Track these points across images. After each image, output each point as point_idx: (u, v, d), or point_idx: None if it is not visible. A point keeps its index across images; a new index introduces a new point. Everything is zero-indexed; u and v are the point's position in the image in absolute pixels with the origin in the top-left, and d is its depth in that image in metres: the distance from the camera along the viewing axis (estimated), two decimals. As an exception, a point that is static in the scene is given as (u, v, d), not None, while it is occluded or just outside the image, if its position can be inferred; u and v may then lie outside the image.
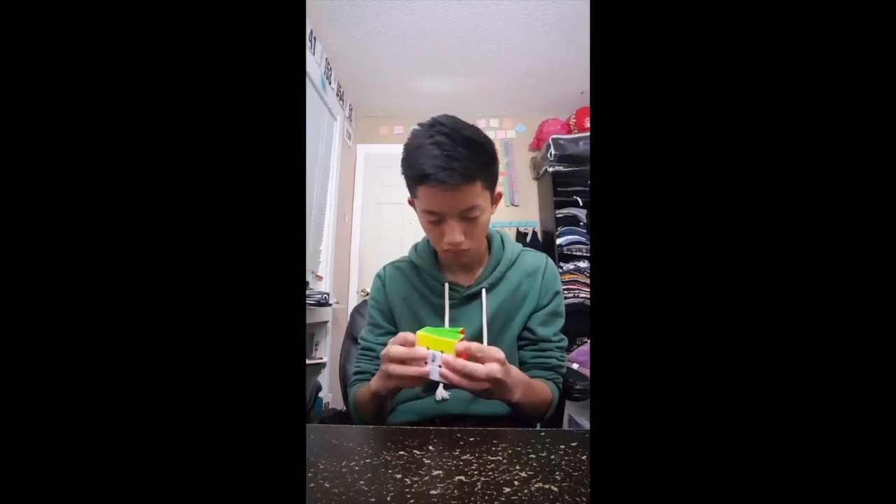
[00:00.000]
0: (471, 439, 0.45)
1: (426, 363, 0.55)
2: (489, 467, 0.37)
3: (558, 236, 2.67)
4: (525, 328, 0.78)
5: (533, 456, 0.40)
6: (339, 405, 2.07)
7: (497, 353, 0.57)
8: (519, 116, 3.21)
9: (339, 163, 2.79)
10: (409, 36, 2.32)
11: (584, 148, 2.71)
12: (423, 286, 0.78)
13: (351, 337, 1.04)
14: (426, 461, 0.39)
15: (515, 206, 3.12)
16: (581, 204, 2.73)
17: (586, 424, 1.89)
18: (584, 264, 2.61)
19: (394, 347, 0.56)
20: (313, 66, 2.26)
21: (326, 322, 2.51)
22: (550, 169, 2.78)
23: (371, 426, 0.54)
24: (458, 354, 0.54)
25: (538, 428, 0.84)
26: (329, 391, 2.49)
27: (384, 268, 0.85)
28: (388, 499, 0.32)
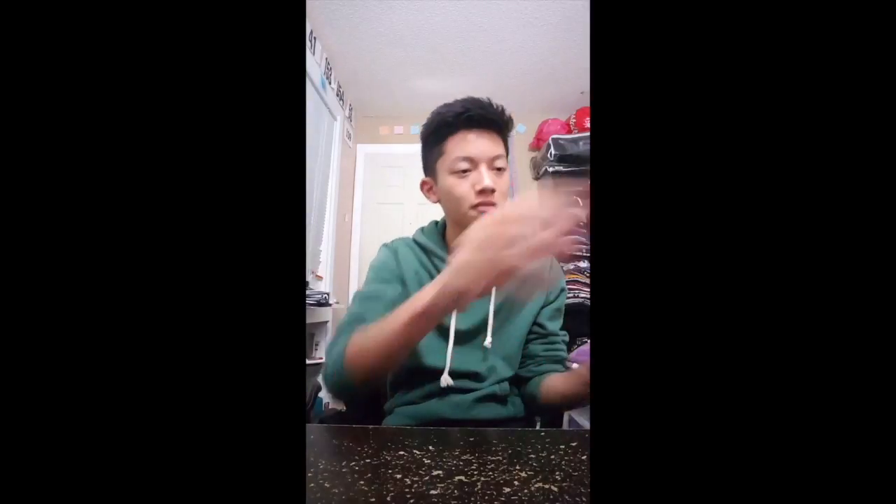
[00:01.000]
0: (471, 439, 0.45)
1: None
2: (489, 467, 0.37)
3: (558, 236, 2.66)
4: (535, 323, 0.78)
5: (533, 456, 0.40)
6: (340, 405, 2.06)
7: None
8: (519, 116, 3.18)
9: (339, 163, 2.79)
10: (409, 36, 2.32)
11: (584, 148, 2.71)
12: (432, 267, 0.75)
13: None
14: (426, 461, 0.39)
15: (515, 206, 3.12)
16: (581, 204, 2.72)
17: (586, 424, 1.89)
18: (584, 264, 2.61)
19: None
20: (313, 66, 2.26)
21: (326, 322, 2.51)
22: (550, 169, 2.78)
23: (371, 426, 0.53)
24: None
25: (538, 428, 0.84)
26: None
27: (392, 241, 0.80)
28: (388, 499, 0.32)
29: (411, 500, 0.31)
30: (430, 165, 0.74)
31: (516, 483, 0.34)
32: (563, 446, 0.43)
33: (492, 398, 0.74)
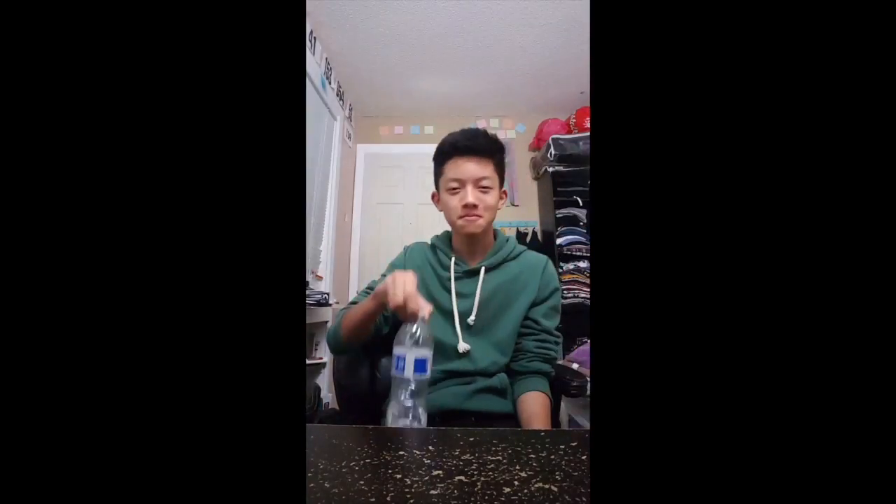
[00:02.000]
0: (471, 439, 0.45)
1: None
2: (489, 467, 0.37)
3: (558, 236, 2.67)
4: (528, 318, 0.89)
5: (533, 456, 0.40)
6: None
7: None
8: (519, 116, 3.20)
9: (339, 163, 2.79)
10: (409, 36, 2.33)
11: (584, 148, 2.71)
12: (434, 261, 0.94)
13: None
14: (426, 461, 0.39)
15: (515, 206, 3.12)
16: (581, 204, 2.73)
17: (586, 424, 1.89)
18: (584, 264, 2.61)
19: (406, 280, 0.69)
20: (313, 66, 2.26)
21: (326, 322, 2.51)
22: (550, 169, 2.78)
23: (371, 427, 0.53)
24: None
25: (538, 428, 0.84)
26: (329, 391, 2.49)
27: (413, 243, 1.02)
28: (388, 499, 0.32)
29: (411, 500, 0.31)
30: (436, 182, 0.94)
31: (516, 483, 0.34)
32: (563, 446, 0.43)
33: (491, 390, 0.84)
